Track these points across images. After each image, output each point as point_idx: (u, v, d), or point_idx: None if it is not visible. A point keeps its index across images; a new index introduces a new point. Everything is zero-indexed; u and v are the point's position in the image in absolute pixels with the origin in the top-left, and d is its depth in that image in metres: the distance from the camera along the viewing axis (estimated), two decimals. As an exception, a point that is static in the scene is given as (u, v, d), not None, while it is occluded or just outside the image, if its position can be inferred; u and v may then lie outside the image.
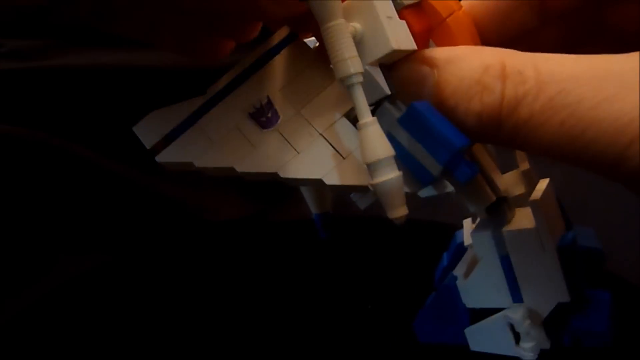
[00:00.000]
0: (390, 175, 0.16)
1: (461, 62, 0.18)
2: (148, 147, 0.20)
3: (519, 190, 0.22)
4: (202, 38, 0.22)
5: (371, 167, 0.16)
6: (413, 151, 0.18)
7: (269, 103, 0.20)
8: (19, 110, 0.37)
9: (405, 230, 0.18)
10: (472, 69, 0.17)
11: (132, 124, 0.20)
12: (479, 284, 0.22)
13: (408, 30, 0.18)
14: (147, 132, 0.20)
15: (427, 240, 0.20)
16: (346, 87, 0.17)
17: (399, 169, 0.17)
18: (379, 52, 0.17)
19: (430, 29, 0.20)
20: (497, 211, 0.21)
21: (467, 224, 0.25)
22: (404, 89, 0.19)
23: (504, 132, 0.17)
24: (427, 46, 0.20)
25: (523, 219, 0.21)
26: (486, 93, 0.17)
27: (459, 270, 0.23)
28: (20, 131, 0.35)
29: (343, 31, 0.16)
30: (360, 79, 0.17)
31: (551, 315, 0.21)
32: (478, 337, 0.22)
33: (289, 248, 0.24)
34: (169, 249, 0.35)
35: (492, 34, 0.22)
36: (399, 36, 0.17)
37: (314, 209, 0.25)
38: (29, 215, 0.34)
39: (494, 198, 0.20)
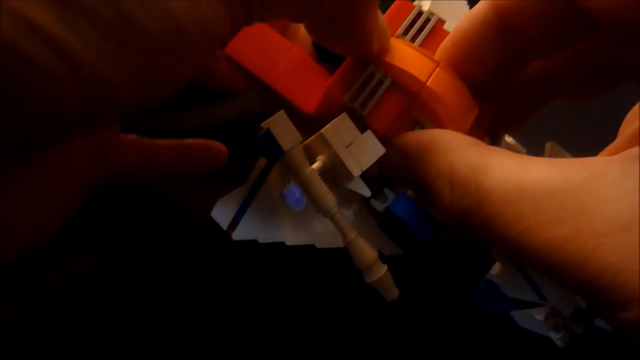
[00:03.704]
0: (380, 272, 0.21)
1: (424, 160, 0.19)
2: (225, 229, 0.27)
3: None
4: None
5: (364, 271, 0.21)
6: (401, 234, 0.21)
7: (295, 185, 0.24)
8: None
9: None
10: (429, 170, 0.19)
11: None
12: (508, 283, 0.25)
13: (374, 138, 0.20)
14: (221, 216, 0.26)
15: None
16: (328, 218, 0.20)
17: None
18: (347, 180, 0.20)
19: (408, 103, 0.21)
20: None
21: None
22: (388, 174, 0.22)
23: (462, 230, 0.19)
24: (411, 119, 0.22)
25: None
26: (440, 199, 0.19)
27: (494, 270, 0.26)
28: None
29: (313, 179, 0.20)
30: (336, 210, 0.20)
31: (574, 314, 0.23)
32: (521, 319, 0.26)
33: (289, 248, 0.25)
34: (168, 249, 0.35)
35: (475, 73, 0.21)
36: (363, 156, 0.20)
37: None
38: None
39: None
